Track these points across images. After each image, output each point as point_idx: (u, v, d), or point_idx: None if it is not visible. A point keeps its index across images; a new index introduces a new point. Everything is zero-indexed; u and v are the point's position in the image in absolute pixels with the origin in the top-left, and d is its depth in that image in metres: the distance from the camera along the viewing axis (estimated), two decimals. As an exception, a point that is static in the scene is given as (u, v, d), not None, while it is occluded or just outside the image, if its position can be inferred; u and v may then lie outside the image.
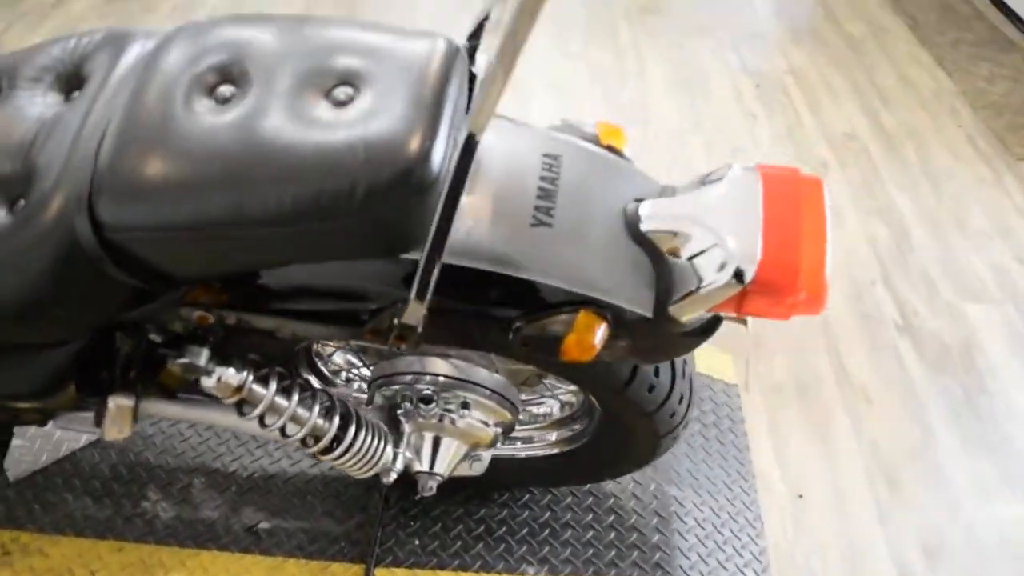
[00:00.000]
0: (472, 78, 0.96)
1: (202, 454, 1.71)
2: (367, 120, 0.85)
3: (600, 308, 0.91)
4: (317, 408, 1.12)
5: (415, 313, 0.86)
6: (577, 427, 1.41)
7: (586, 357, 0.92)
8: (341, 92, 0.89)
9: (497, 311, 0.95)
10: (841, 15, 3.49)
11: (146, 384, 1.14)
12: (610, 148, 1.02)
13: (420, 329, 0.90)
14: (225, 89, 0.91)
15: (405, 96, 0.87)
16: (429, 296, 0.85)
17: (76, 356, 1.06)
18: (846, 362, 2.03)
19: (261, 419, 1.10)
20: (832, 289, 2.16)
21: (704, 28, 3.38)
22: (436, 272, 0.83)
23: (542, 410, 1.48)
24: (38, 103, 1.01)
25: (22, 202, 0.93)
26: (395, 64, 0.90)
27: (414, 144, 0.83)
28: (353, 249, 0.89)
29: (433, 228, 0.80)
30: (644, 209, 0.92)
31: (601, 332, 0.91)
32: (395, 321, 0.90)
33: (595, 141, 1.02)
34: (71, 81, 1.03)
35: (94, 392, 1.15)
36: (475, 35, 1.01)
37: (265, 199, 0.83)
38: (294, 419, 1.11)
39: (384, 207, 0.82)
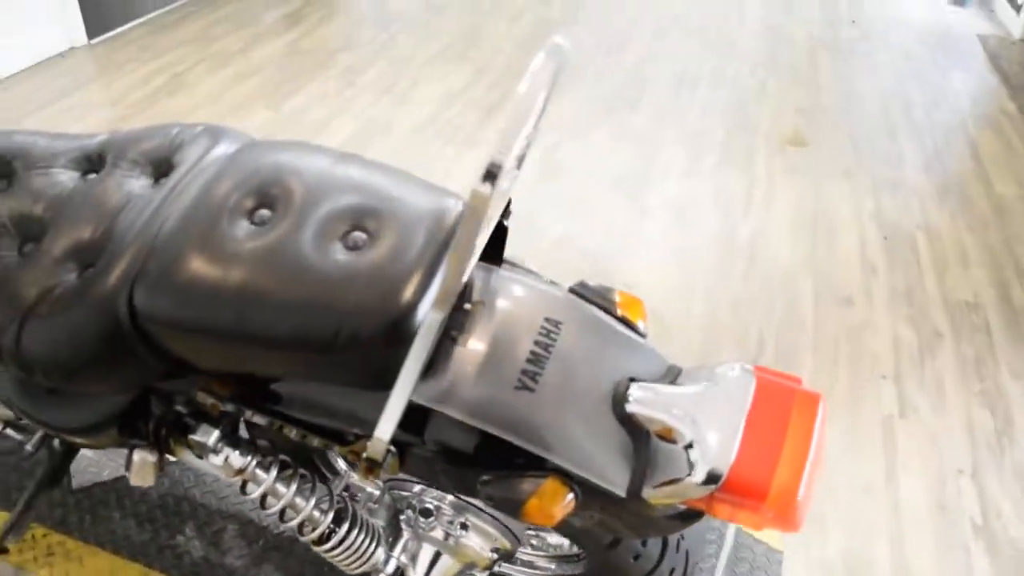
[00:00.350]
0: (500, 234, 1.01)
1: (243, 502, 1.80)
2: (368, 269, 0.92)
3: (569, 478, 0.93)
4: (314, 500, 1.17)
5: (378, 448, 0.91)
6: (577, 570, 1.40)
7: (546, 523, 0.93)
8: (356, 237, 0.97)
9: (467, 460, 0.98)
10: (994, 175, 3.34)
11: (176, 440, 1.24)
12: (624, 320, 1.04)
13: (384, 465, 0.94)
14: (264, 213, 1.00)
15: (408, 253, 0.93)
16: (390, 436, 0.89)
17: (118, 406, 1.17)
18: (908, 553, 1.90)
19: (262, 500, 1.16)
20: (914, 470, 2.06)
21: (846, 169, 3.31)
22: (398, 416, 0.88)
23: (554, 540, 1.48)
24: (132, 183, 1.13)
25: (91, 270, 1.05)
26: (410, 220, 0.97)
27: (398, 301, 0.89)
28: (340, 378, 0.96)
29: (397, 383, 0.85)
30: (634, 390, 0.93)
31: (565, 502, 0.92)
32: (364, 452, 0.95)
33: (611, 309, 1.04)
34: (161, 167, 1.16)
35: (133, 437, 1.25)
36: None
37: (266, 322, 0.91)
38: (291, 506, 1.17)
39: (363, 351, 0.89)
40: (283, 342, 0.91)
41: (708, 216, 2.99)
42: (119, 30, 4.16)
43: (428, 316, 0.80)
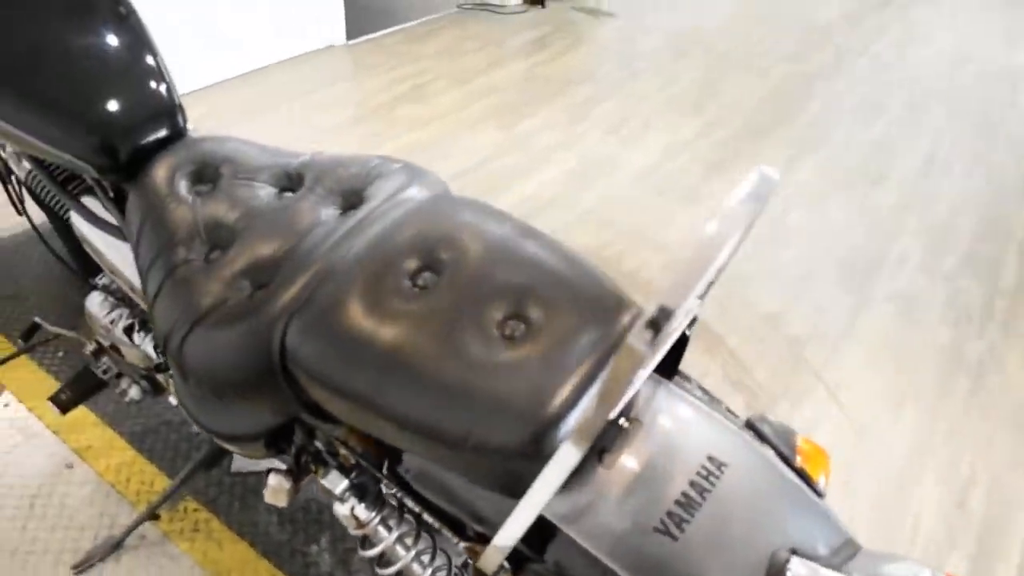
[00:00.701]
0: (680, 343, 0.89)
1: (379, 526, 1.79)
2: (517, 367, 0.83)
3: (698, 648, 0.79)
4: (430, 570, 1.11)
5: (492, 560, 0.82)
6: None
7: None
8: (514, 326, 0.88)
9: (586, 593, 0.87)
10: None
11: (315, 470, 1.22)
12: (802, 473, 0.88)
13: None
14: (428, 276, 0.95)
15: (563, 359, 0.84)
16: (508, 550, 0.80)
17: (266, 424, 1.16)
18: None
19: (380, 557, 1.12)
20: None
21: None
22: (520, 534, 0.78)
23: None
24: (321, 210, 1.13)
25: (261, 291, 1.05)
26: (574, 320, 0.87)
27: (540, 413, 0.80)
28: (466, 474, 0.88)
29: (524, 500, 0.75)
30: (795, 566, 0.78)
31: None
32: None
33: (789, 458, 0.89)
34: (352, 198, 1.14)
35: (279, 454, 1.25)
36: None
37: (399, 399, 0.85)
38: (407, 572, 1.11)
39: (494, 456, 0.80)
40: (413, 424, 0.85)
41: (936, 322, 2.67)
42: (375, 35, 4.39)
43: (563, 447, 0.70)
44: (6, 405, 1.99)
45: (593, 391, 0.82)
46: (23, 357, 2.09)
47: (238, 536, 1.75)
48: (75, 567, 1.65)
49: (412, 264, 0.97)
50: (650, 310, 0.60)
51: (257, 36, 3.82)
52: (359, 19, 4.26)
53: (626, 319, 0.89)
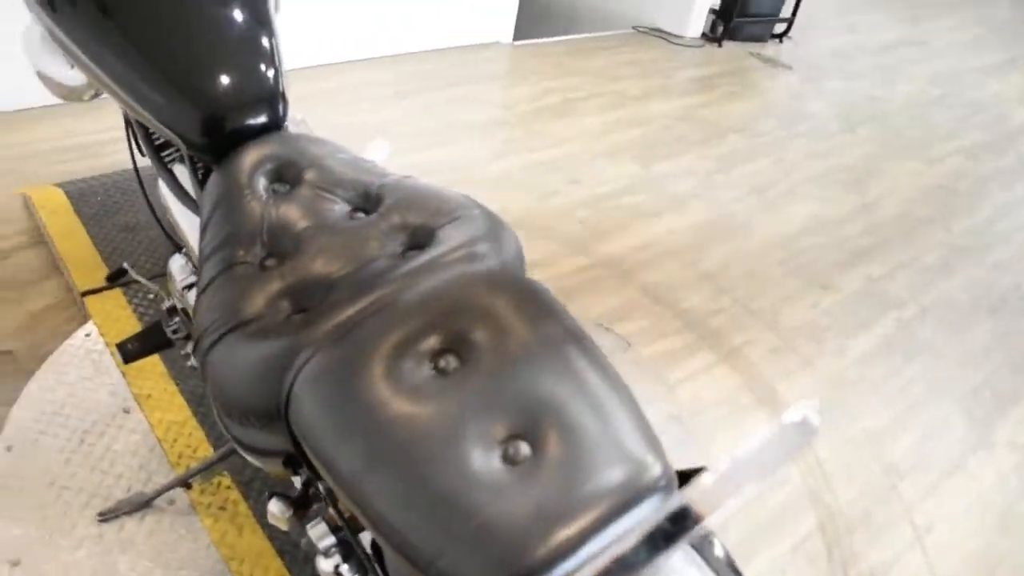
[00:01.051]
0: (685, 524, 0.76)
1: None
2: (506, 498, 0.73)
3: None
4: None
5: None
6: None
7: None
8: (520, 448, 0.78)
9: None
10: None
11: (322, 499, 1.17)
12: None
13: None
14: (451, 361, 0.86)
15: (562, 504, 0.73)
16: None
17: (283, 445, 1.12)
18: None
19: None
20: None
21: None
22: None
23: None
24: (385, 242, 1.06)
25: (297, 317, 0.99)
26: (591, 462, 0.76)
27: (514, 565, 0.69)
28: None
29: None
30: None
31: None
32: None
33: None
34: (420, 236, 1.07)
35: (295, 475, 1.20)
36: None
37: (378, 489, 0.77)
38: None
39: None
40: (388, 526, 0.77)
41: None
42: (542, 40, 4.34)
43: None
44: (87, 335, 2.04)
45: (584, 552, 0.71)
46: (116, 291, 2.14)
47: (260, 526, 1.73)
48: (101, 514, 1.67)
49: (438, 342, 0.88)
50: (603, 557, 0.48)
51: (421, 19, 3.83)
52: (531, 21, 4.22)
53: (647, 480, 0.77)
